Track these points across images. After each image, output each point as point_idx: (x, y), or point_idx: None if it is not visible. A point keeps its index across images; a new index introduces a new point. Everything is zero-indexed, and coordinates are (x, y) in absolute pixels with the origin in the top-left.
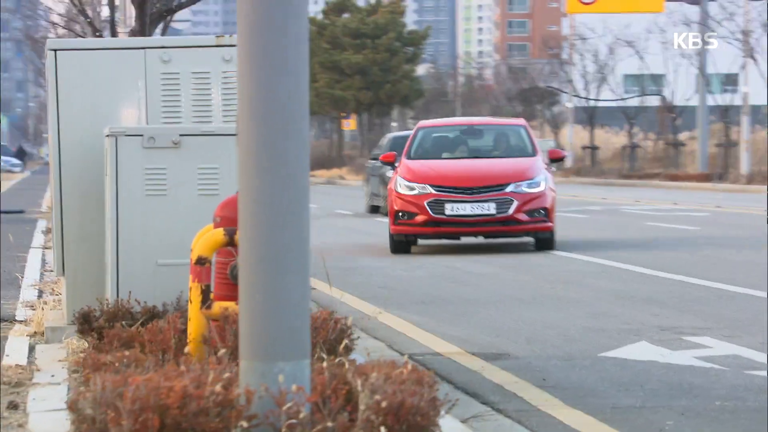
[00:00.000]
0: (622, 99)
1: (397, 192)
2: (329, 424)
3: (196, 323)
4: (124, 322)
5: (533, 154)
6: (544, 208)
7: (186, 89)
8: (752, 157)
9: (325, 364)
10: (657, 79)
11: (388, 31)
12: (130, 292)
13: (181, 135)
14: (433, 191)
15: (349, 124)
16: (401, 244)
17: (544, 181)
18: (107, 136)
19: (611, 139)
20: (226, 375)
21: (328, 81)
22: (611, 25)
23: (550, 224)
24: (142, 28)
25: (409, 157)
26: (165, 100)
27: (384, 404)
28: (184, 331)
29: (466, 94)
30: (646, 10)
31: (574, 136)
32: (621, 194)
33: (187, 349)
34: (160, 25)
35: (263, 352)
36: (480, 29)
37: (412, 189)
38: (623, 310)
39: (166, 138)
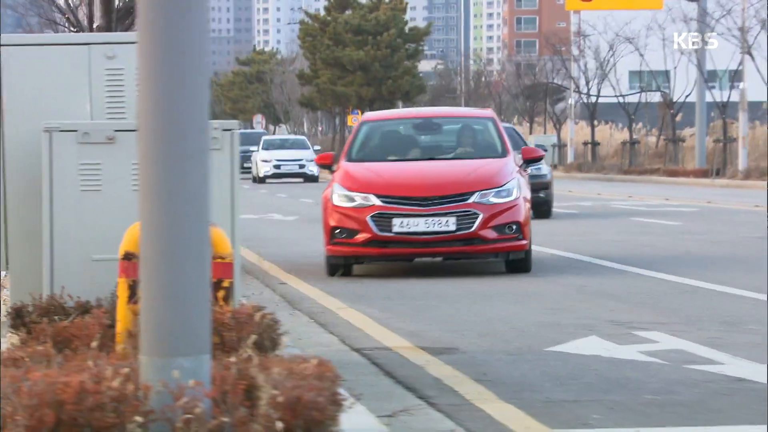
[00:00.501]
0: (622, 95)
1: (333, 204)
2: (225, 419)
3: (122, 318)
4: (57, 317)
5: (503, 154)
6: (516, 223)
7: (130, 85)
8: (750, 153)
9: (233, 359)
10: (662, 75)
11: (389, 27)
12: (63, 287)
13: (115, 131)
14: (378, 203)
15: (356, 120)
16: (339, 268)
17: (516, 189)
18: (43, 131)
19: (614, 135)
20: (125, 370)
21: (330, 77)
22: (612, 22)
23: (524, 242)
24: (108, 25)
25: (349, 160)
26: (109, 96)
27: (281, 399)
28: (111, 326)
29: (471, 90)
30: (646, 6)
31: (576, 132)
32: (617, 190)
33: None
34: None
35: (162, 348)
36: (489, 26)
37: (352, 200)
38: (582, 305)
39: (101, 134)
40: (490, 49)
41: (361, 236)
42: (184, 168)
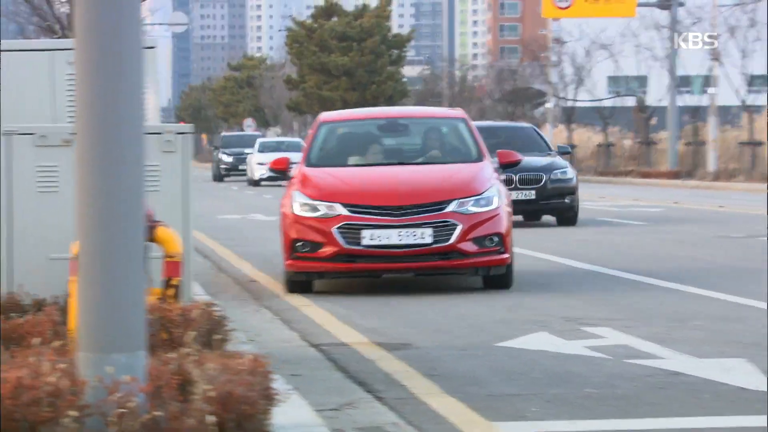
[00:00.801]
0: (599, 100)
1: (293, 214)
2: (159, 413)
3: (73, 316)
4: (13, 314)
5: (479, 158)
6: (498, 234)
7: None
8: (721, 156)
9: (174, 354)
10: (640, 80)
11: (373, 34)
12: (20, 285)
13: (71, 134)
14: (345, 212)
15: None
16: (300, 284)
17: (496, 197)
18: (3, 134)
19: (592, 138)
20: (62, 366)
21: (317, 82)
22: (588, 29)
23: (505, 255)
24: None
25: (309, 164)
26: (70, 100)
27: (213, 394)
28: (63, 323)
29: (456, 95)
30: (619, 14)
31: (554, 136)
32: (592, 191)
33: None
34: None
35: (98, 344)
36: (475, 33)
37: (315, 209)
38: (539, 302)
39: (57, 136)
40: (475, 55)
41: (325, 250)
42: (118, 170)
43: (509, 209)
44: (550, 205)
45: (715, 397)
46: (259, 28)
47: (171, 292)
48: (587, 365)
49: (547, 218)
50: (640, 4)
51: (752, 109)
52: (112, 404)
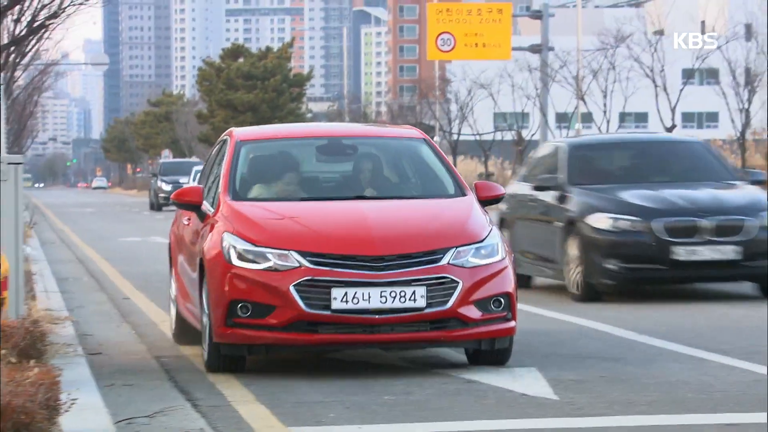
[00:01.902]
0: (479, 134)
1: (229, 264)
2: None
3: None
4: None
5: (460, 191)
6: (506, 295)
7: None
8: None
9: None
10: (524, 116)
11: (276, 73)
12: None
13: None
14: (306, 264)
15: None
16: (236, 361)
17: (500, 244)
18: None
19: (477, 168)
20: None
21: (224, 117)
22: (470, 70)
23: (512, 324)
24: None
25: (236, 198)
26: None
27: None
28: None
29: None
30: (496, 57)
31: None
32: None
33: None
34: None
35: None
36: (378, 72)
37: (263, 259)
38: None
39: None
40: (378, 93)
41: (279, 315)
42: None
43: (513, 261)
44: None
45: (498, 402)
46: (183, 68)
47: None
48: (394, 373)
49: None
50: (515, 49)
51: None
52: None
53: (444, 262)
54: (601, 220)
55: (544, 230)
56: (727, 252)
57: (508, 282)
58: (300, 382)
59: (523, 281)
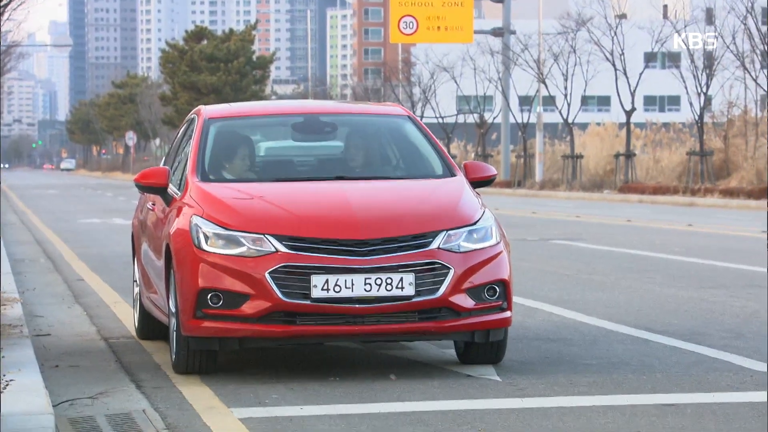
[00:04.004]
0: (441, 117)
1: (199, 250)
2: None
3: None
4: None
5: (450, 171)
6: (501, 282)
7: None
8: (549, 168)
9: None
10: (487, 99)
11: (239, 56)
12: None
13: None
14: (283, 249)
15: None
16: (203, 357)
17: (494, 227)
18: None
19: None
20: None
21: (188, 98)
22: (432, 54)
23: (508, 314)
24: None
25: (204, 179)
26: None
27: None
28: None
29: None
30: (458, 40)
31: None
32: None
33: None
34: None
35: None
36: (344, 55)
37: (236, 243)
38: None
39: None
40: (344, 76)
41: (254, 304)
42: None
43: (508, 245)
44: None
45: (442, 383)
46: (148, 49)
47: None
48: (339, 354)
49: None
50: (477, 32)
51: (576, 126)
52: None
53: (434, 246)
54: None
55: None
56: None
57: (503, 268)
58: (245, 364)
59: None
